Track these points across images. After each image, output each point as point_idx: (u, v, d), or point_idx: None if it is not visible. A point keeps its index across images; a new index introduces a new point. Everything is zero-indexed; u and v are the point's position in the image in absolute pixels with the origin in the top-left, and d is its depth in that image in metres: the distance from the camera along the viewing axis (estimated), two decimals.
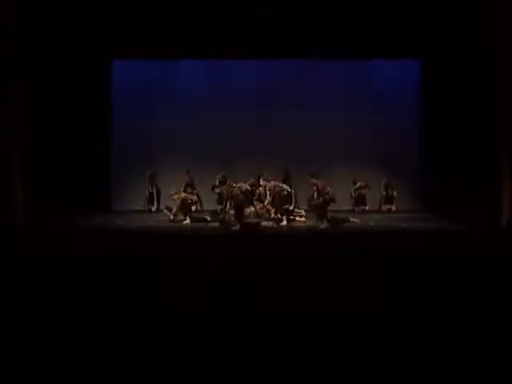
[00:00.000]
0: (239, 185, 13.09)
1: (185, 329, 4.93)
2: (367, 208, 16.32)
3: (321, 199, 13.00)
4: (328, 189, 13.08)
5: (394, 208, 16.32)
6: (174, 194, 14.01)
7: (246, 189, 13.11)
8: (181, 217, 13.81)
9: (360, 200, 16.42)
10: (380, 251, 9.28)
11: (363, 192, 16.44)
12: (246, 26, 14.97)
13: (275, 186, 13.63)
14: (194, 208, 14.32)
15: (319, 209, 13.11)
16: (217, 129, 16.66)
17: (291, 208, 14.03)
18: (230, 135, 16.57)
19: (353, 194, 16.42)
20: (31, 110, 12.77)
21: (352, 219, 13.46)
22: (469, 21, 13.73)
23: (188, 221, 13.68)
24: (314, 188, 13.31)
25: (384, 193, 16.41)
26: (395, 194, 16.34)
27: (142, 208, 15.95)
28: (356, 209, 16.28)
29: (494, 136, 12.73)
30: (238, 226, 12.67)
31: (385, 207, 16.40)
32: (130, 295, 6.08)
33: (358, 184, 16.41)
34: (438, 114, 15.74)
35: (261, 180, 14.11)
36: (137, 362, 4.28)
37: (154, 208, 15.98)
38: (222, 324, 5.05)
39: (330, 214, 13.09)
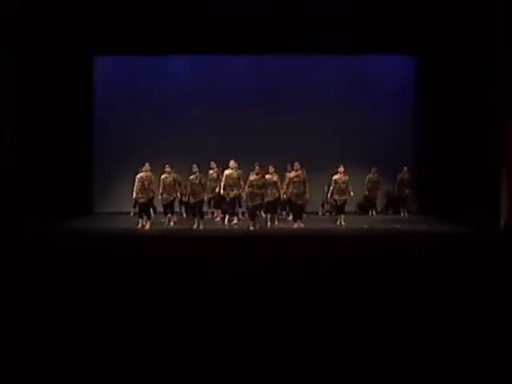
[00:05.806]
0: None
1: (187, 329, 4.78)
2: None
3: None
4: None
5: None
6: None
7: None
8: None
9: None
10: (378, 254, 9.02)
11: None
12: (242, 24, 14.66)
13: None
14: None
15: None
16: (207, 127, 16.25)
17: None
18: (223, 134, 16.12)
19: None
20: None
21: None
22: (465, 17, 13.63)
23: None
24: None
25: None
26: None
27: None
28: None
29: (492, 136, 12.56)
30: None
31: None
32: (127, 296, 5.88)
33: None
34: (436, 113, 15.50)
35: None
36: (136, 361, 4.14)
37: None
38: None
39: None
